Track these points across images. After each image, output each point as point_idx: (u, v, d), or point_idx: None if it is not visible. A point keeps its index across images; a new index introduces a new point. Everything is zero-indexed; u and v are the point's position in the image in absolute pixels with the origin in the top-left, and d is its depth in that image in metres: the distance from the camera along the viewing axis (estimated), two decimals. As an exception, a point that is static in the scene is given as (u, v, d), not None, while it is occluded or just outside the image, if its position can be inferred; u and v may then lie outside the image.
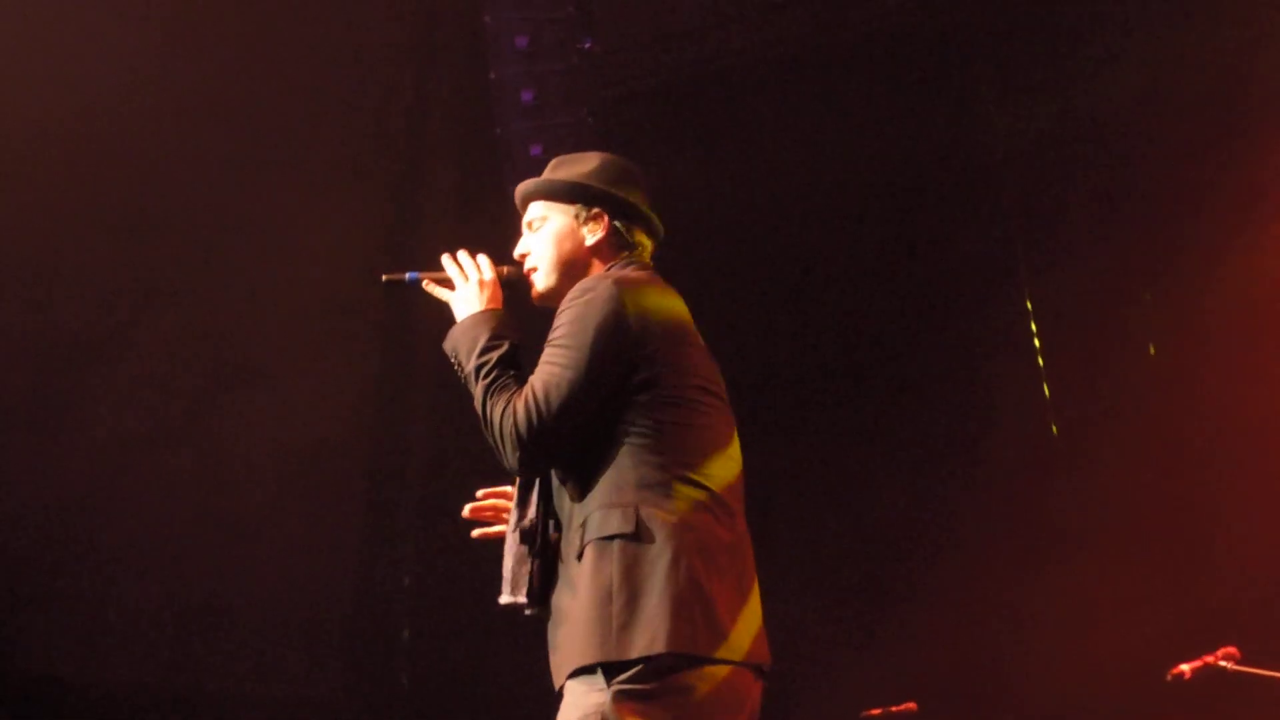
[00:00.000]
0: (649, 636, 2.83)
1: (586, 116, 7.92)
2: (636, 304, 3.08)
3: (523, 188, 3.40)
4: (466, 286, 3.27)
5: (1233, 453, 7.02)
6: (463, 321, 3.21)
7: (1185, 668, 5.05)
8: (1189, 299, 7.26)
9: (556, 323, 3.10)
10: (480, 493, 3.43)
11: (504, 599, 3.13)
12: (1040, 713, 6.56)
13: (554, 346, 3.06)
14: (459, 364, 3.17)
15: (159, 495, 7.96)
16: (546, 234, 3.33)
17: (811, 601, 7.35)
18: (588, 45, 8.00)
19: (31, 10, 7.14)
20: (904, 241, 8.08)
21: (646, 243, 3.37)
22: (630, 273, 3.21)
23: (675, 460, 3.01)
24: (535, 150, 7.82)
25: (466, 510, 3.43)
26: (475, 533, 3.44)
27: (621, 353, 3.03)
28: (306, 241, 8.27)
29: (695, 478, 3.02)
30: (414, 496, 8.91)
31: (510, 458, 3.03)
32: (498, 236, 8.25)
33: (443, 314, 3.34)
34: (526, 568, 3.09)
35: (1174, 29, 7.45)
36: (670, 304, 3.19)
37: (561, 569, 3.05)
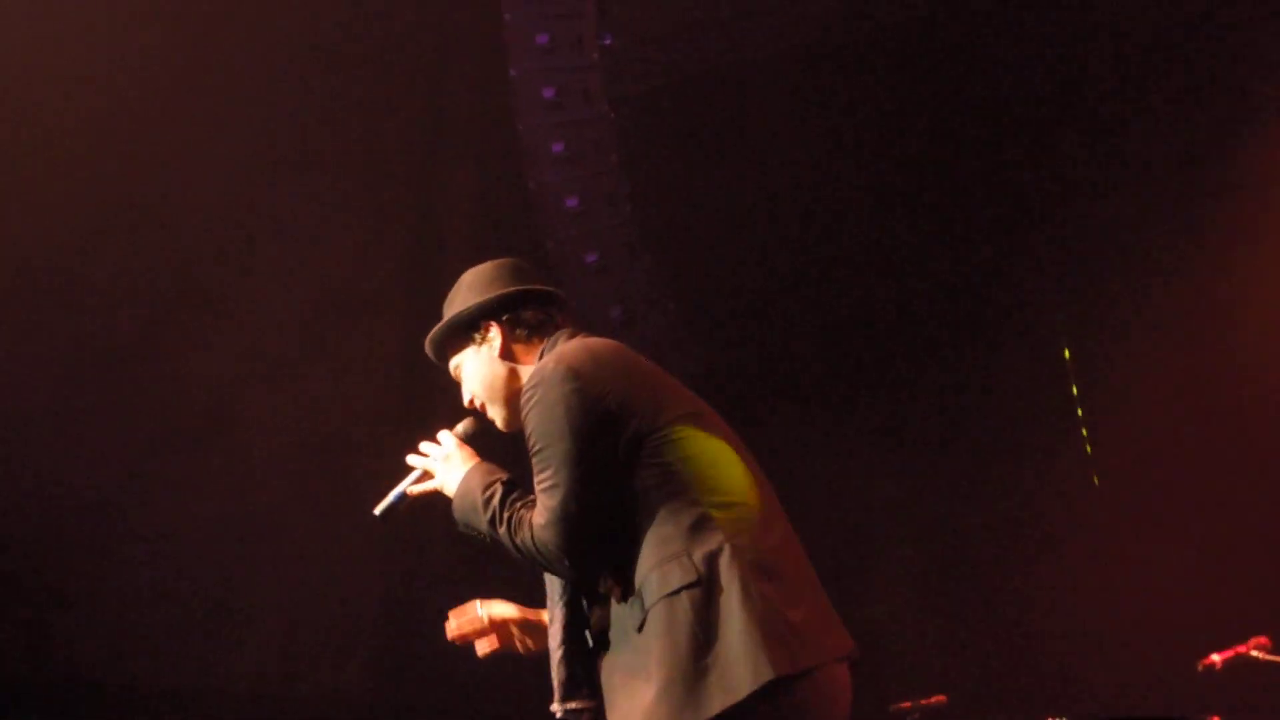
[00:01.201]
0: (752, 670, 2.81)
1: (607, 112, 7.91)
2: (588, 372, 3.07)
3: (428, 348, 3.47)
4: (441, 466, 3.32)
5: (1266, 443, 7.00)
6: (457, 495, 3.25)
7: (1216, 658, 5.05)
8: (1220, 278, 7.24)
9: (526, 431, 3.10)
10: (450, 626, 3.53)
11: (569, 706, 3.12)
12: (1071, 704, 6.55)
13: (538, 457, 3.06)
14: (475, 532, 3.20)
15: (186, 494, 7.98)
16: (468, 375, 3.37)
17: (841, 596, 7.34)
18: (608, 41, 7.99)
19: (57, 7, 7.16)
20: (934, 238, 8.06)
21: (547, 314, 3.36)
22: (561, 346, 3.22)
23: (698, 492, 2.99)
24: (556, 147, 7.82)
25: (450, 635, 3.54)
26: (482, 652, 3.54)
27: (600, 426, 3.02)
28: (329, 238, 8.29)
29: (723, 499, 3.01)
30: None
31: (565, 571, 3.06)
32: (519, 237, 8.32)
33: None
34: (580, 668, 3.11)
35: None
36: (610, 352, 3.18)
37: (614, 649, 3.03)
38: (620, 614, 3.00)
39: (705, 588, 2.88)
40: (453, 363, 3.42)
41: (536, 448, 3.06)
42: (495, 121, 8.58)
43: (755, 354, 8.39)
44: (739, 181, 8.23)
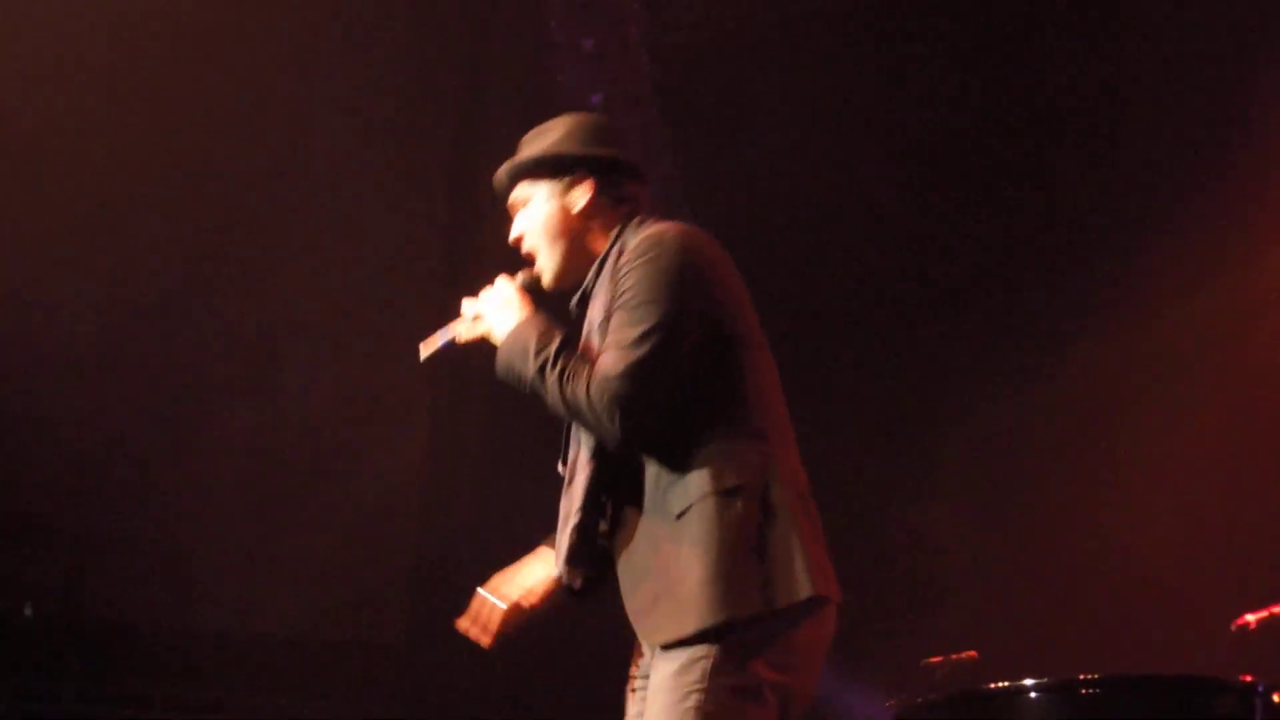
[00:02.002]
0: (805, 580, 2.85)
1: (647, 64, 7.88)
2: (705, 255, 3.04)
3: (498, 177, 3.30)
4: (494, 312, 3.18)
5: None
6: (506, 341, 3.10)
7: (1250, 618, 5.02)
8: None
9: (624, 284, 2.99)
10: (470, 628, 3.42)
11: (563, 574, 3.12)
12: (1103, 663, 6.55)
13: (631, 308, 2.96)
14: (518, 378, 3.05)
15: (223, 444, 8.08)
16: (534, 215, 3.23)
17: (872, 548, 7.36)
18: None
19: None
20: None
21: (642, 193, 3.27)
22: (678, 224, 3.13)
23: (761, 409, 3.00)
24: (595, 99, 7.80)
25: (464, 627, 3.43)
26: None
27: (703, 305, 2.98)
28: (364, 197, 8.33)
29: (776, 420, 3.03)
30: (474, 445, 8.97)
31: (614, 429, 2.92)
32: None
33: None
34: (588, 544, 3.06)
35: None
36: (719, 248, 3.14)
37: (643, 527, 2.98)
38: (658, 495, 2.96)
39: (759, 497, 2.88)
40: (520, 193, 3.26)
41: (633, 302, 2.95)
42: (534, 83, 8.57)
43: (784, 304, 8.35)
44: (782, 149, 8.16)
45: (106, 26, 7.36)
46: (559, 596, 3.34)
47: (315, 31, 7.98)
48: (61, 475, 7.65)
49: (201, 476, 7.98)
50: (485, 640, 3.43)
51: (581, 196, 3.19)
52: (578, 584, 3.10)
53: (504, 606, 3.41)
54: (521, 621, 3.43)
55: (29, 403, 7.61)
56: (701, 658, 2.83)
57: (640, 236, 3.06)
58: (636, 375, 2.88)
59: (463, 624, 3.47)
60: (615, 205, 3.20)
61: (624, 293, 2.98)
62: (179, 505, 8.00)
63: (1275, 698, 4.54)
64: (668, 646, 2.89)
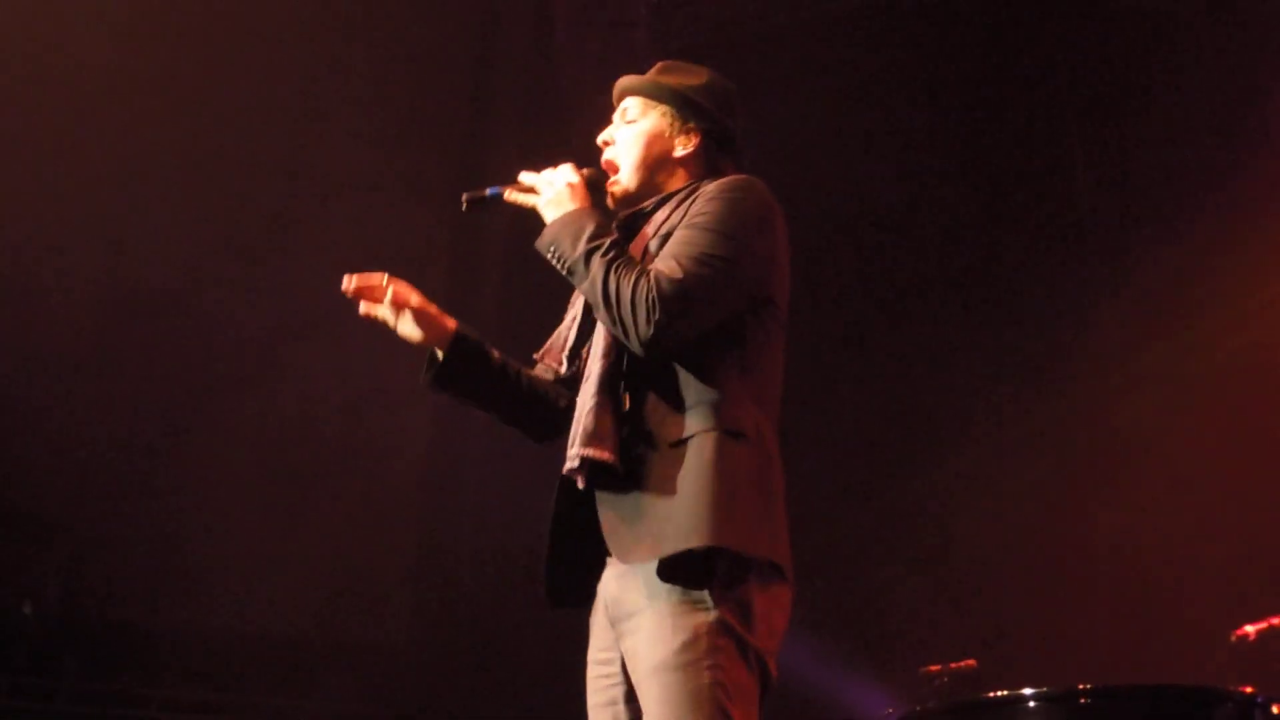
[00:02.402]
0: (774, 545, 2.84)
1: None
2: (780, 221, 3.07)
3: (624, 80, 3.31)
4: (553, 190, 3.11)
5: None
6: (560, 218, 3.04)
7: (1250, 629, 5.01)
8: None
9: (703, 208, 2.98)
10: (349, 282, 3.29)
11: (585, 452, 2.89)
12: (1102, 673, 6.53)
13: (701, 229, 2.94)
14: (560, 256, 2.99)
15: (225, 442, 8.07)
16: (638, 131, 3.24)
17: (873, 558, 7.35)
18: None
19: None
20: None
21: (730, 170, 3.24)
22: (754, 178, 3.12)
23: (770, 378, 3.02)
24: (601, 102, 7.80)
25: (347, 287, 3.29)
26: (363, 310, 3.35)
27: (768, 260, 3.02)
28: (371, 194, 8.33)
29: (774, 401, 3.04)
30: (477, 445, 8.96)
31: (646, 329, 2.84)
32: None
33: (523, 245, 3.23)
34: (610, 421, 2.91)
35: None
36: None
37: (638, 450, 2.89)
38: (650, 421, 2.90)
39: (754, 447, 2.88)
40: (634, 107, 3.26)
41: (708, 225, 2.93)
42: (541, 78, 8.57)
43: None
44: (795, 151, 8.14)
45: (112, 22, 7.36)
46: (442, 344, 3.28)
47: (323, 28, 7.99)
48: (61, 473, 7.66)
49: (202, 475, 7.98)
50: (376, 297, 3.34)
51: (686, 145, 3.22)
52: (586, 471, 2.91)
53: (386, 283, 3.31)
54: (402, 315, 3.31)
55: (29, 400, 7.62)
56: (704, 607, 2.74)
57: (727, 177, 3.09)
58: (688, 289, 2.85)
59: (347, 284, 3.33)
60: (706, 168, 3.22)
61: (701, 215, 2.97)
62: (179, 503, 8.00)
63: (1274, 709, 4.53)
64: (665, 564, 2.77)
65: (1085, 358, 7.55)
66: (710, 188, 3.04)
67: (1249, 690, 4.59)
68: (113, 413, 7.69)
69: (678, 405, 2.88)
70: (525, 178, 3.18)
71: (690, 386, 2.89)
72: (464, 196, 3.25)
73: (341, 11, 8.04)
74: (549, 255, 3.02)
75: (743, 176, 3.09)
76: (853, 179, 8.09)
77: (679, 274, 2.85)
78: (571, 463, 2.93)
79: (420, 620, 8.71)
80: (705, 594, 2.74)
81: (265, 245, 8.17)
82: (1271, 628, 4.99)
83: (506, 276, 8.67)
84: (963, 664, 5.67)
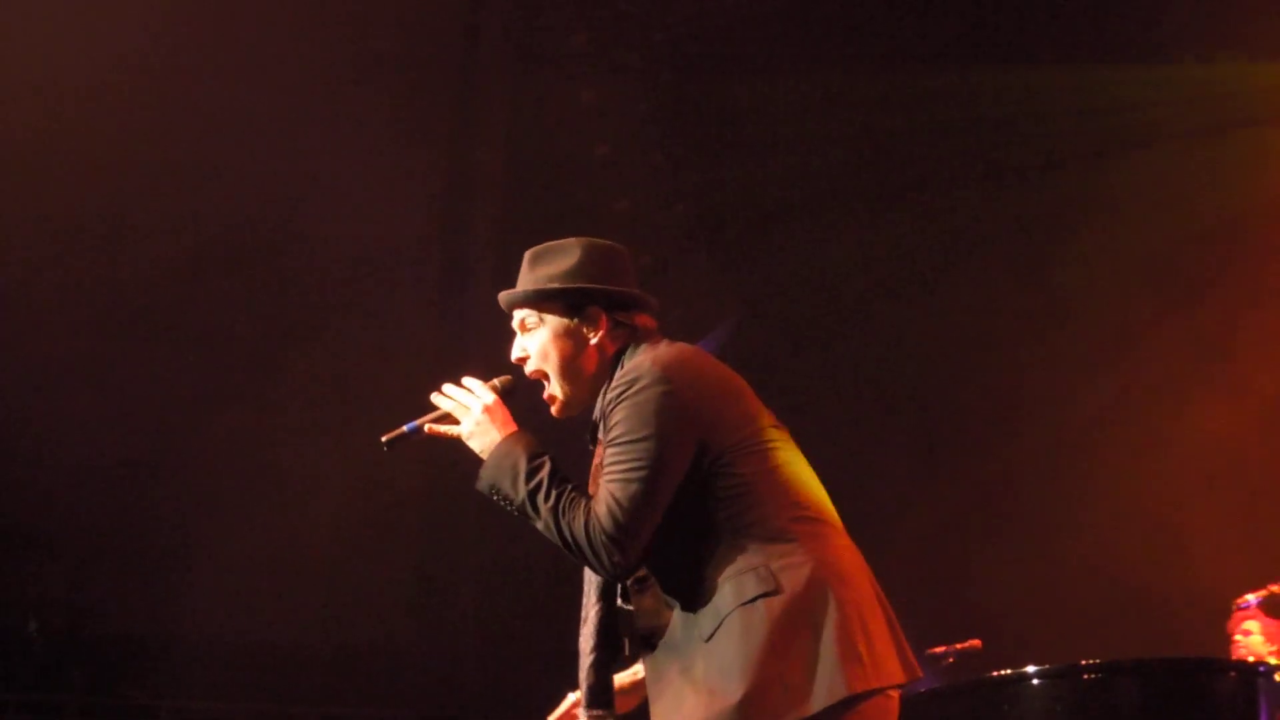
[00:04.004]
0: (827, 686, 2.80)
1: (639, 59, 7.87)
2: (683, 379, 3.01)
3: (506, 298, 3.23)
4: (471, 417, 3.11)
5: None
6: (491, 455, 3.05)
7: (1250, 597, 5.05)
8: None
9: (611, 422, 2.99)
10: None
11: (596, 714, 3.05)
12: (1107, 647, 6.56)
13: (618, 446, 2.96)
14: (504, 499, 3.03)
15: (223, 452, 8.07)
16: (543, 340, 3.16)
17: (877, 539, 7.36)
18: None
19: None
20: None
21: (648, 323, 3.22)
22: (662, 350, 3.09)
23: (776, 505, 2.97)
24: (588, 96, 7.78)
25: None
26: None
27: (687, 432, 2.96)
28: (362, 198, 8.32)
29: (804, 513, 2.99)
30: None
31: (608, 567, 2.93)
32: (549, 191, 8.33)
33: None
34: (609, 676, 3.07)
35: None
36: (706, 363, 3.12)
37: (669, 656, 2.96)
38: (683, 622, 2.95)
39: (783, 596, 2.85)
40: (530, 317, 3.20)
41: (620, 439, 2.95)
42: (526, 78, 8.57)
43: (779, 290, 8.35)
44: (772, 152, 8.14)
45: (98, 34, 7.35)
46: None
47: (307, 41, 7.98)
48: (63, 488, 7.65)
49: (203, 485, 7.98)
50: None
51: (593, 333, 3.15)
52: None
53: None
54: None
55: (29, 415, 7.62)
56: None
57: (622, 372, 3.06)
58: (624, 514, 2.90)
59: None
60: (625, 339, 3.17)
61: (610, 430, 2.99)
62: (181, 515, 8.00)
63: (1277, 677, 4.57)
64: None
65: (1081, 344, 7.59)
66: (610, 394, 3.03)
67: (1253, 659, 4.63)
68: (113, 427, 7.69)
69: (703, 597, 2.92)
70: (438, 400, 3.17)
71: (703, 576, 2.93)
72: (383, 439, 3.21)
73: (329, 12, 8.03)
74: (492, 498, 3.06)
75: (633, 364, 3.05)
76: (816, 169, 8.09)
77: (613, 504, 2.90)
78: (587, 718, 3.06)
79: (423, 625, 8.72)
80: None
81: (257, 257, 8.16)
82: (1272, 595, 5.02)
83: (496, 273, 8.68)
84: (968, 644, 5.70)
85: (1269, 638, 5.71)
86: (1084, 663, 5.11)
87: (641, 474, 2.91)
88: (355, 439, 8.26)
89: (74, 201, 7.42)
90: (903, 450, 8.00)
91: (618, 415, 2.98)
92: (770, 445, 3.04)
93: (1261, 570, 5.29)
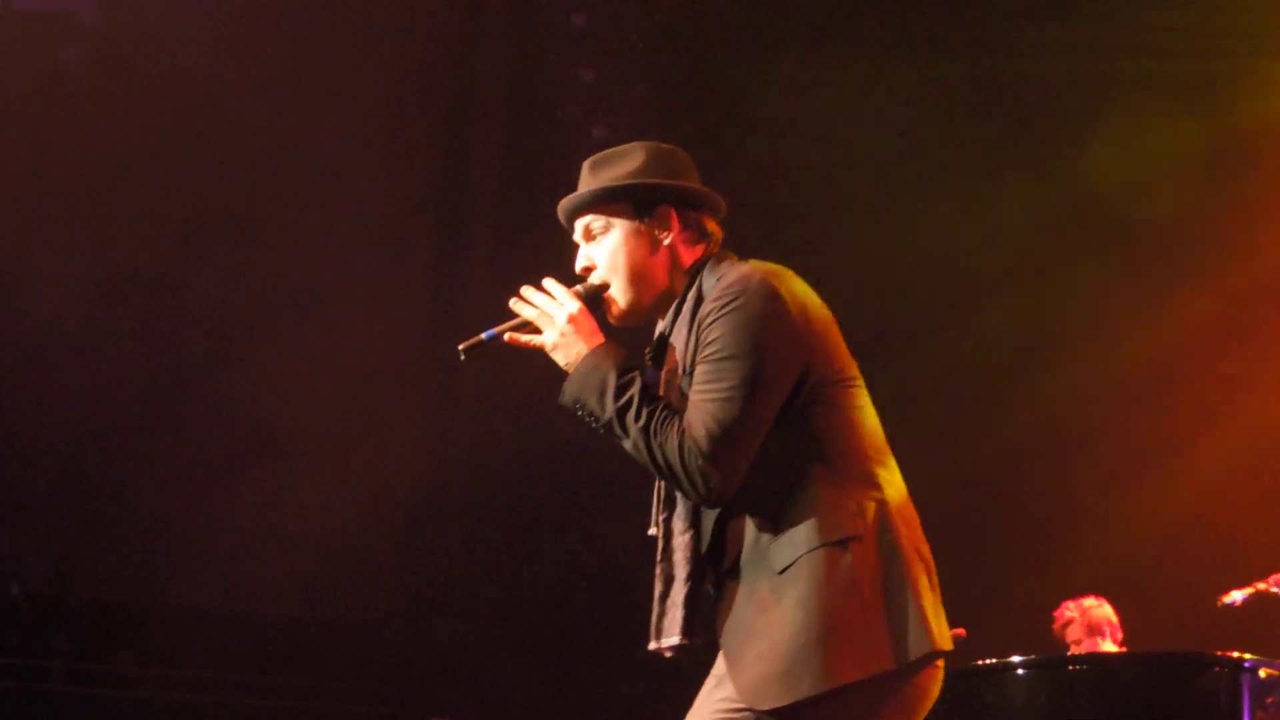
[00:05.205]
0: (918, 637, 2.69)
1: (636, 41, 7.84)
2: (792, 295, 2.84)
3: (570, 201, 3.03)
4: (556, 327, 2.90)
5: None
6: (577, 368, 2.86)
7: (1236, 595, 5.04)
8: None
9: (709, 335, 2.79)
10: None
11: (669, 642, 2.85)
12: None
13: (718, 361, 2.77)
14: (590, 415, 2.84)
15: (215, 422, 8.07)
16: (612, 244, 2.98)
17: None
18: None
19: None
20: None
21: (718, 230, 3.04)
22: (759, 265, 2.90)
23: (862, 447, 2.84)
24: (586, 76, 7.75)
25: None
26: None
27: (794, 354, 2.79)
28: (357, 173, 8.31)
29: (885, 463, 2.87)
30: (469, 423, 8.98)
31: (703, 492, 2.75)
32: (544, 169, 8.30)
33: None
34: (703, 602, 2.85)
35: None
36: (806, 287, 2.92)
37: (746, 587, 2.79)
38: (754, 548, 2.79)
39: (872, 545, 2.73)
40: (595, 222, 3.00)
41: (720, 354, 2.76)
42: (525, 54, 8.55)
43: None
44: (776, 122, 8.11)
45: (99, 6, 7.34)
46: None
47: (307, 13, 7.95)
48: (50, 455, 7.64)
49: (191, 454, 7.97)
50: None
51: (664, 231, 2.98)
52: (676, 652, 2.88)
53: None
54: None
55: (17, 383, 7.60)
56: None
57: (722, 283, 2.86)
58: (726, 436, 2.72)
59: None
60: (695, 242, 2.99)
61: (709, 345, 2.79)
62: (168, 483, 7.98)
63: (1262, 673, 4.57)
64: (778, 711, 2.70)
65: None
66: (708, 305, 2.84)
67: (1236, 655, 4.62)
68: (101, 394, 7.68)
69: (780, 527, 2.76)
70: (518, 307, 2.97)
71: (784, 506, 2.77)
72: (460, 347, 2.99)
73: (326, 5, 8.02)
74: (576, 412, 2.87)
75: (736, 277, 2.86)
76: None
77: (712, 425, 2.73)
78: (665, 644, 2.87)
79: (409, 598, 8.73)
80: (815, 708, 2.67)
81: (250, 226, 8.14)
82: (1257, 593, 5.02)
83: (493, 254, 8.67)
84: (952, 632, 5.69)
85: (1086, 630, 5.77)
86: (1070, 654, 5.10)
87: (744, 393, 2.73)
88: (347, 408, 8.27)
89: (67, 178, 7.40)
90: (899, 436, 7.98)
91: (719, 329, 2.78)
92: (858, 384, 2.90)
93: (1250, 566, 5.29)
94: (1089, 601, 5.94)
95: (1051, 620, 6.00)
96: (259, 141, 7.96)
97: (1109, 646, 5.74)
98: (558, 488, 8.45)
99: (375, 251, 8.49)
